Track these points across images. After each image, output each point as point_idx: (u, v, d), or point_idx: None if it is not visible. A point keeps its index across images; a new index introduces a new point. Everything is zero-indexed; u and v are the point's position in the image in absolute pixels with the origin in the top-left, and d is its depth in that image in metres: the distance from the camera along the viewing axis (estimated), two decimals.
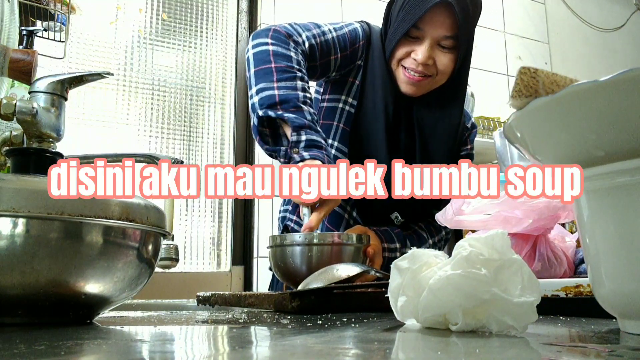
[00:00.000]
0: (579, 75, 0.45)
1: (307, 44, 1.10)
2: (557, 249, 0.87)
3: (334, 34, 1.15)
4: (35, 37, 1.65)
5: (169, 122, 2.23)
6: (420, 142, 1.18)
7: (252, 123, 1.02)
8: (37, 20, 1.69)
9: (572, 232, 1.02)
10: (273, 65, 1.02)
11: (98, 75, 0.65)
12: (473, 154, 1.31)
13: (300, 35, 1.10)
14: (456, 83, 1.20)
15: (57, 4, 1.69)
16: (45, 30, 1.69)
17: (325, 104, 1.20)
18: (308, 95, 1.03)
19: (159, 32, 2.26)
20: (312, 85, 1.20)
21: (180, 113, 2.26)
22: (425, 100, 1.19)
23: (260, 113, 0.99)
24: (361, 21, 1.23)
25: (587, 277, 0.49)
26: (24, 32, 1.60)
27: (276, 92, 0.99)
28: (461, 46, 1.12)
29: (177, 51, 2.29)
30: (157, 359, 0.34)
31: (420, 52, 1.10)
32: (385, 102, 1.16)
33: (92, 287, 0.52)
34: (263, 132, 1.02)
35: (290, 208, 1.24)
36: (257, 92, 1.01)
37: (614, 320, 0.53)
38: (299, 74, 1.03)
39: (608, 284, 0.44)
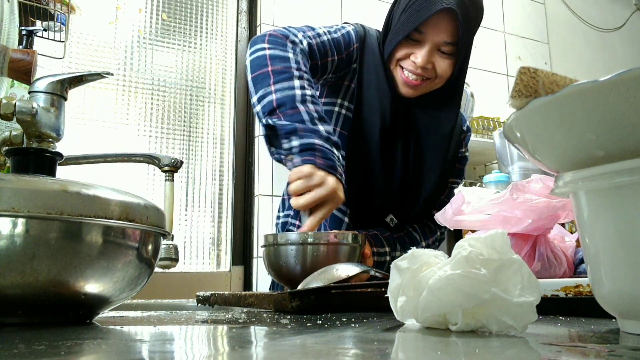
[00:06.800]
0: (579, 75, 0.45)
1: (305, 43, 1.10)
2: (557, 249, 0.87)
3: (329, 36, 1.15)
4: (35, 37, 1.65)
5: (168, 122, 2.23)
6: (414, 143, 1.19)
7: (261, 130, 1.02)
8: (37, 20, 1.69)
9: (572, 232, 1.02)
10: (270, 68, 1.02)
11: (98, 75, 0.65)
12: (467, 156, 1.33)
13: (297, 36, 1.09)
14: (453, 87, 1.21)
15: (57, 4, 1.69)
16: (45, 30, 1.69)
17: (322, 107, 1.20)
18: (308, 92, 1.01)
19: (158, 32, 2.26)
20: None
21: (180, 113, 2.26)
22: (422, 102, 1.19)
23: (264, 122, 0.99)
24: (356, 24, 1.23)
25: (586, 277, 0.49)
26: (24, 32, 1.60)
27: (274, 96, 0.98)
28: (460, 52, 1.13)
29: (176, 51, 2.29)
30: (157, 359, 0.34)
31: (420, 56, 1.10)
32: (381, 107, 1.16)
33: (92, 287, 0.52)
34: (272, 136, 1.00)
35: (292, 213, 1.24)
36: (259, 100, 1.01)
37: (613, 320, 0.53)
38: (297, 72, 1.02)
39: (608, 284, 0.44)
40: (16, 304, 0.49)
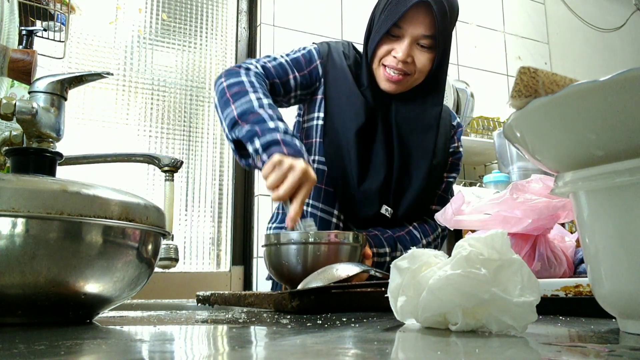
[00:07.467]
0: (579, 75, 0.45)
1: (259, 66, 1.19)
2: (557, 248, 0.87)
3: (286, 58, 1.25)
4: (35, 37, 1.65)
5: (168, 122, 2.23)
6: (397, 138, 1.22)
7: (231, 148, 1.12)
8: (37, 20, 1.69)
9: (572, 232, 1.02)
10: (228, 94, 1.11)
11: (98, 75, 0.65)
12: (461, 152, 1.35)
13: (251, 63, 1.19)
14: (434, 82, 1.25)
15: (57, 4, 1.69)
16: (45, 30, 1.69)
17: (305, 125, 1.27)
18: (265, 100, 1.09)
19: (158, 32, 2.26)
20: (294, 109, 1.32)
21: (180, 113, 2.26)
22: (403, 97, 1.24)
23: (231, 137, 1.08)
24: (320, 43, 1.32)
25: (586, 277, 0.49)
26: (24, 32, 1.60)
27: (234, 112, 1.07)
28: (439, 46, 1.17)
29: (176, 51, 2.29)
30: (157, 359, 0.34)
31: (400, 50, 1.16)
32: (354, 109, 1.20)
33: (92, 287, 0.52)
34: (241, 149, 1.09)
35: (284, 225, 1.25)
36: (223, 120, 1.10)
37: (613, 320, 0.53)
38: (251, 89, 1.11)
39: (608, 283, 0.44)
40: (16, 304, 0.49)
